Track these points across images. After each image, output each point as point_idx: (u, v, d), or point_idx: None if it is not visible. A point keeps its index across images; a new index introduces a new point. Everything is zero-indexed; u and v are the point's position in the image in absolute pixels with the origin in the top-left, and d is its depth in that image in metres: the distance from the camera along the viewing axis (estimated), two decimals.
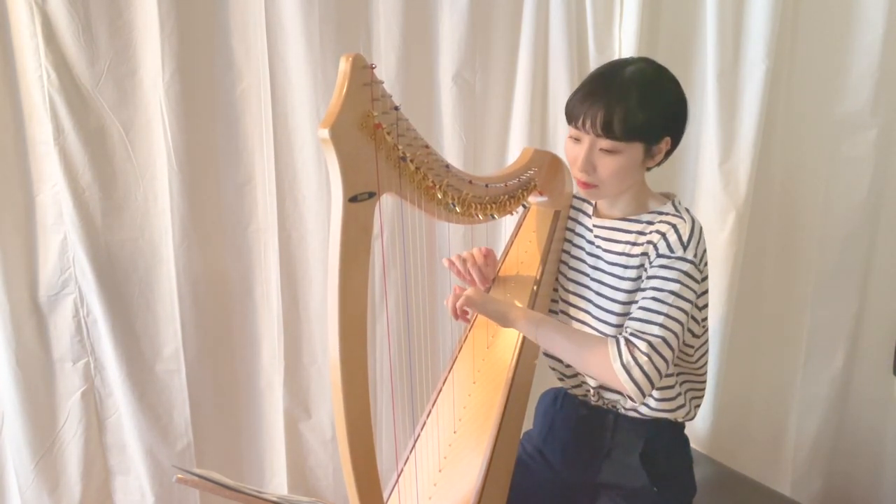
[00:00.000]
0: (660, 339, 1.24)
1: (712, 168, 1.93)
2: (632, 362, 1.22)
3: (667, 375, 1.38)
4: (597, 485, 1.52)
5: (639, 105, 1.28)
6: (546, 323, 1.34)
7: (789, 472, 2.17)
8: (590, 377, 1.48)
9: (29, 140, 1.78)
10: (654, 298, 1.28)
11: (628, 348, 1.24)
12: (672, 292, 1.27)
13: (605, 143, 1.30)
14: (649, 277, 1.32)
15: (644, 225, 1.38)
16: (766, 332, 2.11)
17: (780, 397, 2.15)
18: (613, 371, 1.23)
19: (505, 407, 1.37)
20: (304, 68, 1.82)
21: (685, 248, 1.30)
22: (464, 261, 1.50)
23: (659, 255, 1.31)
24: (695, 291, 1.29)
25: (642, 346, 1.23)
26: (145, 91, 1.81)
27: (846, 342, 2.07)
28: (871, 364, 2.08)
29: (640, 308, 1.29)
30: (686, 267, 1.29)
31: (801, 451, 2.16)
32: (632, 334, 1.26)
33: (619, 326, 1.38)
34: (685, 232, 1.31)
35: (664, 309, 1.26)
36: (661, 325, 1.25)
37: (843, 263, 2.01)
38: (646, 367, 1.22)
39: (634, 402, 1.27)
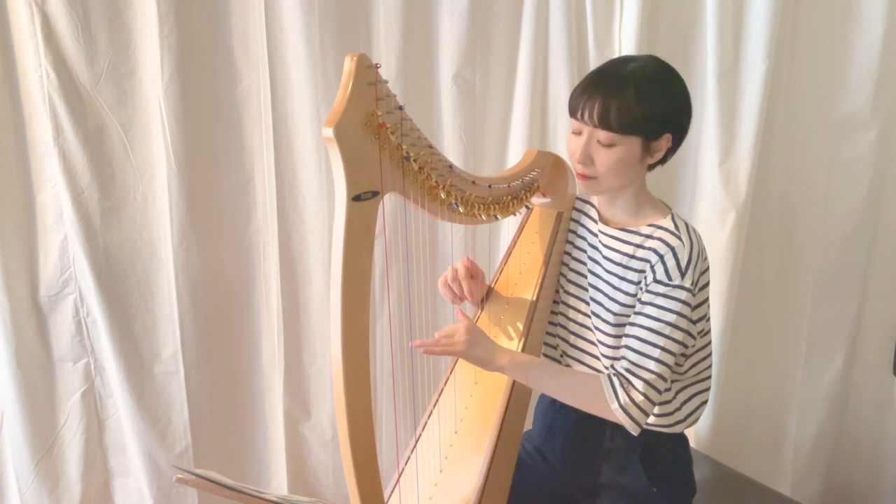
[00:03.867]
0: (655, 376, 1.28)
1: (712, 168, 1.92)
2: (629, 403, 1.27)
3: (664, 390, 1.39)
4: (597, 485, 1.51)
5: (636, 99, 1.27)
6: (536, 367, 1.34)
7: (789, 472, 2.17)
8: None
9: (29, 140, 1.78)
10: (650, 329, 1.29)
11: (624, 389, 1.27)
12: (668, 323, 1.29)
13: (602, 134, 1.30)
14: (645, 302, 1.32)
15: (643, 238, 1.37)
16: (766, 332, 2.11)
17: (780, 397, 2.14)
18: (612, 411, 1.28)
19: (506, 407, 1.37)
20: (304, 68, 1.82)
21: (683, 275, 1.30)
22: (455, 278, 1.51)
23: (656, 281, 1.31)
24: (691, 319, 1.31)
25: (639, 384, 1.27)
26: (144, 91, 1.80)
27: (846, 342, 2.07)
28: (871, 364, 2.08)
29: (636, 338, 1.30)
30: (683, 296, 1.29)
31: (801, 451, 2.16)
32: (627, 370, 1.29)
33: (617, 337, 1.39)
34: (683, 257, 1.30)
35: (660, 342, 1.28)
36: (657, 360, 1.28)
37: (843, 263, 2.01)
38: (643, 406, 1.27)
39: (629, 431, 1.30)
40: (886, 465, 2.13)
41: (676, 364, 1.40)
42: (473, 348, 1.31)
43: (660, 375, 1.28)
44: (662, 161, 1.38)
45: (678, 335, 1.29)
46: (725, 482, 1.80)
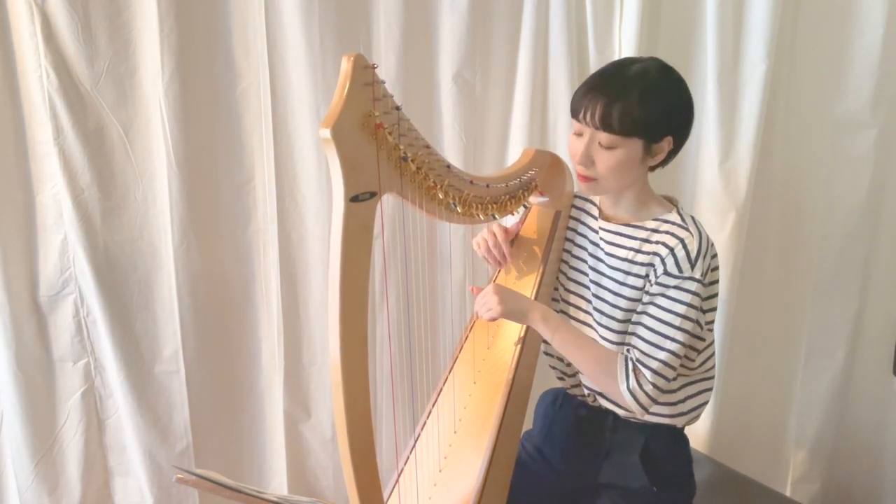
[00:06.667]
0: (664, 365, 1.32)
1: (712, 168, 1.93)
2: (637, 388, 1.32)
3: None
4: (597, 485, 1.52)
5: (639, 100, 1.28)
6: (563, 329, 1.38)
7: (789, 472, 2.18)
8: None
9: (29, 140, 1.78)
10: (660, 320, 1.32)
11: (635, 375, 1.32)
12: (679, 314, 1.31)
13: (603, 136, 1.31)
14: (655, 294, 1.33)
15: (649, 233, 1.38)
16: (766, 332, 2.11)
17: (780, 397, 2.15)
18: (620, 392, 1.33)
19: (505, 407, 1.37)
20: (304, 68, 1.82)
21: (693, 266, 1.30)
22: (496, 242, 1.53)
23: (666, 273, 1.32)
24: (700, 309, 1.33)
25: (648, 374, 1.32)
26: (145, 91, 1.80)
27: (846, 342, 2.07)
28: (871, 364, 2.08)
29: (647, 328, 1.33)
30: (693, 287, 1.30)
31: (801, 451, 2.16)
32: (638, 360, 1.32)
33: (621, 333, 1.40)
34: (693, 248, 1.31)
35: (671, 333, 1.31)
36: (668, 351, 1.31)
37: (843, 263, 2.01)
38: (651, 393, 1.32)
39: (635, 414, 1.34)
40: (886, 465, 2.13)
41: (688, 359, 1.41)
42: (508, 304, 1.35)
43: (668, 365, 1.31)
44: (663, 163, 1.39)
45: (688, 326, 1.31)
46: (725, 482, 1.80)
